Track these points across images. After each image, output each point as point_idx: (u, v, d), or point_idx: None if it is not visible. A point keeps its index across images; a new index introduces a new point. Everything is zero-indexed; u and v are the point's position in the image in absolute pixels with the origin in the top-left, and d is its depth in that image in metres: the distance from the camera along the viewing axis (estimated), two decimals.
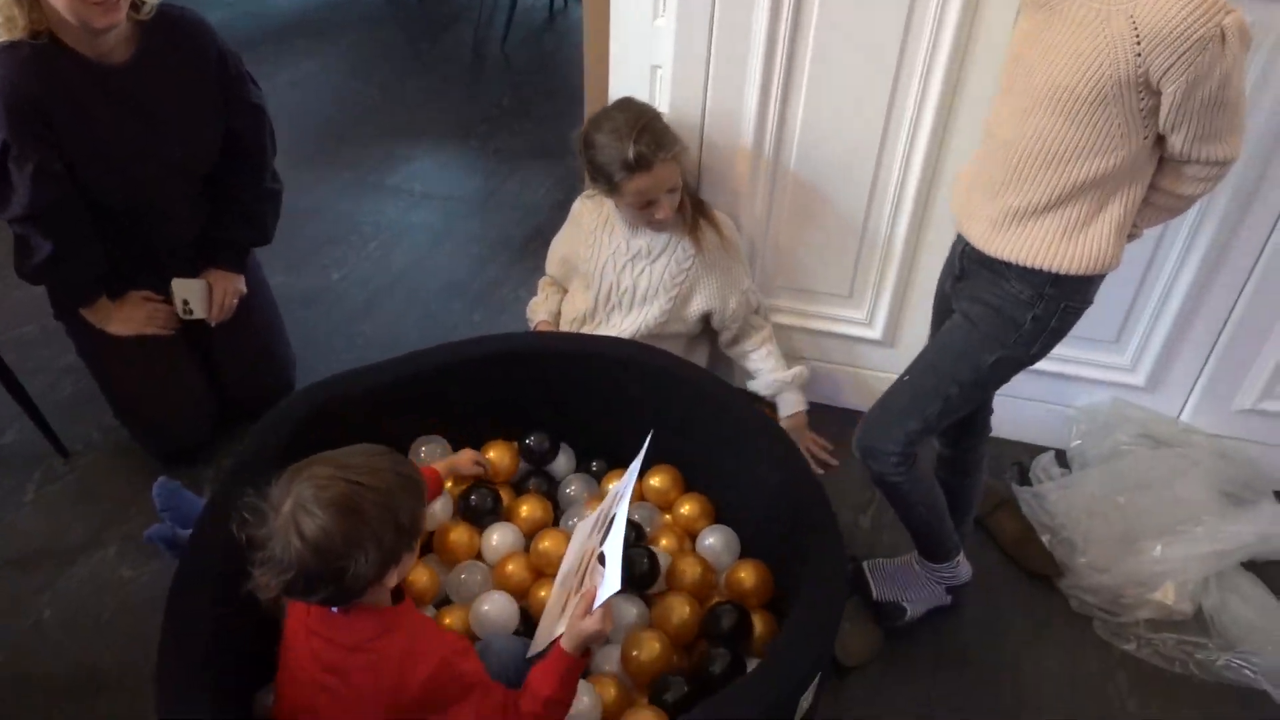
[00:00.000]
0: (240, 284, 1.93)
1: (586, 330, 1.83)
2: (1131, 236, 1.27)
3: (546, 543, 1.47)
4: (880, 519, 1.82)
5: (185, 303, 1.85)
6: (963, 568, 1.59)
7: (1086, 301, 1.29)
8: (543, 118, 3.33)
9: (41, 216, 1.61)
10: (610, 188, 1.68)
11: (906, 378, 1.39)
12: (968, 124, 1.64)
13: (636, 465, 1.26)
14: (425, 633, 1.11)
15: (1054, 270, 1.23)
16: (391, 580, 1.05)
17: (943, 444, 1.56)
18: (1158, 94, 1.10)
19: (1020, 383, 1.42)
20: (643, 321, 1.79)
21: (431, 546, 1.52)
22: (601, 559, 1.19)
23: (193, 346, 1.89)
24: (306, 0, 4.29)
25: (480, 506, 1.53)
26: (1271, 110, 1.52)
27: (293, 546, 0.97)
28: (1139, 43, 1.06)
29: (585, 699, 1.24)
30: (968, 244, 1.33)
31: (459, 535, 1.51)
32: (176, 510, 1.58)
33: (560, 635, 1.17)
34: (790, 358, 1.95)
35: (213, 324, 1.88)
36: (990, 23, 1.53)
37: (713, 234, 1.76)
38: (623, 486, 1.25)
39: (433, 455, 1.58)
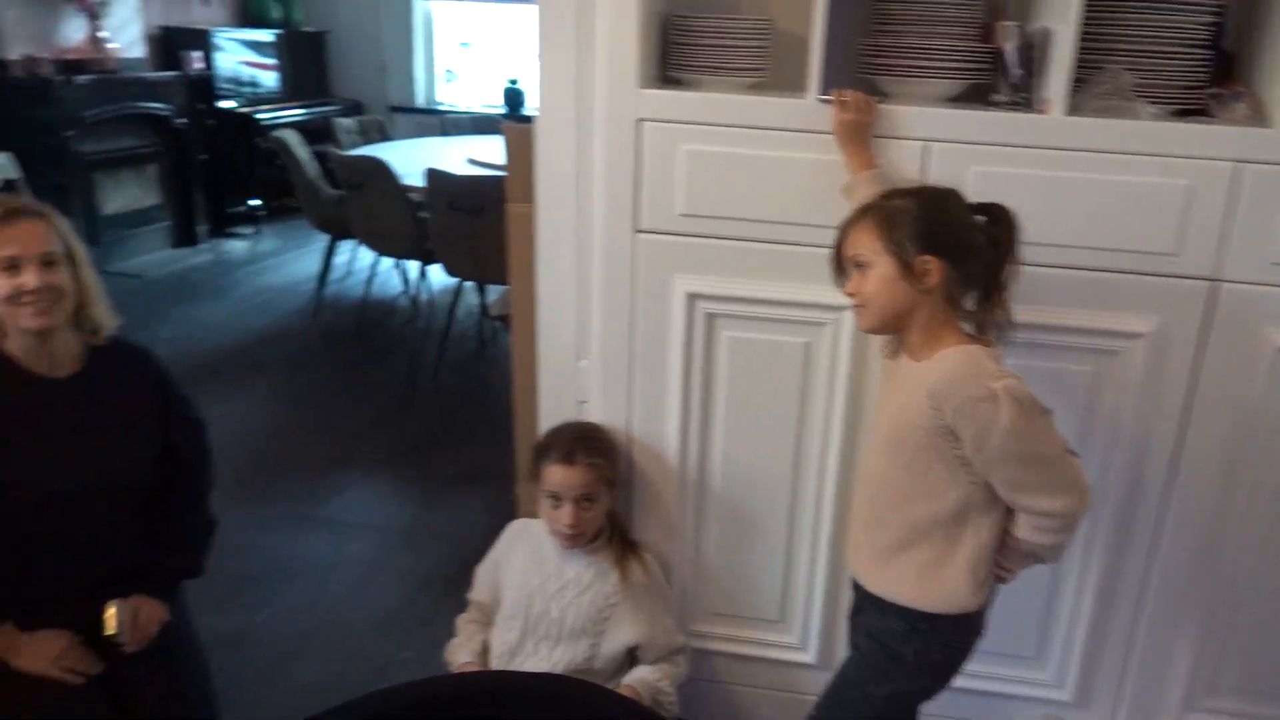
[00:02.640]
0: (164, 612, 1.86)
1: (516, 663, 1.82)
2: (1000, 579, 1.39)
3: None
4: None
5: (115, 628, 1.77)
6: None
7: (971, 635, 1.39)
8: (474, 444, 3.46)
9: None
10: (532, 474, 1.80)
11: (814, 714, 1.43)
12: None
13: None
14: None
15: (917, 609, 1.34)
16: None
17: None
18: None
19: (948, 702, 1.46)
20: (572, 657, 1.80)
21: None
22: None
23: (103, 689, 1.79)
24: (241, 335, 4.51)
25: None
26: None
27: None
28: (931, 398, 1.29)
29: None
30: (859, 585, 1.45)
31: None
32: None
33: None
34: (722, 684, 1.96)
35: (128, 649, 1.79)
36: (876, 366, 1.74)
37: (639, 570, 1.83)
38: None
39: None
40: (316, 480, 3.13)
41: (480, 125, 6.08)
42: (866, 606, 1.43)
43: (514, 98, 6.76)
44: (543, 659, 1.80)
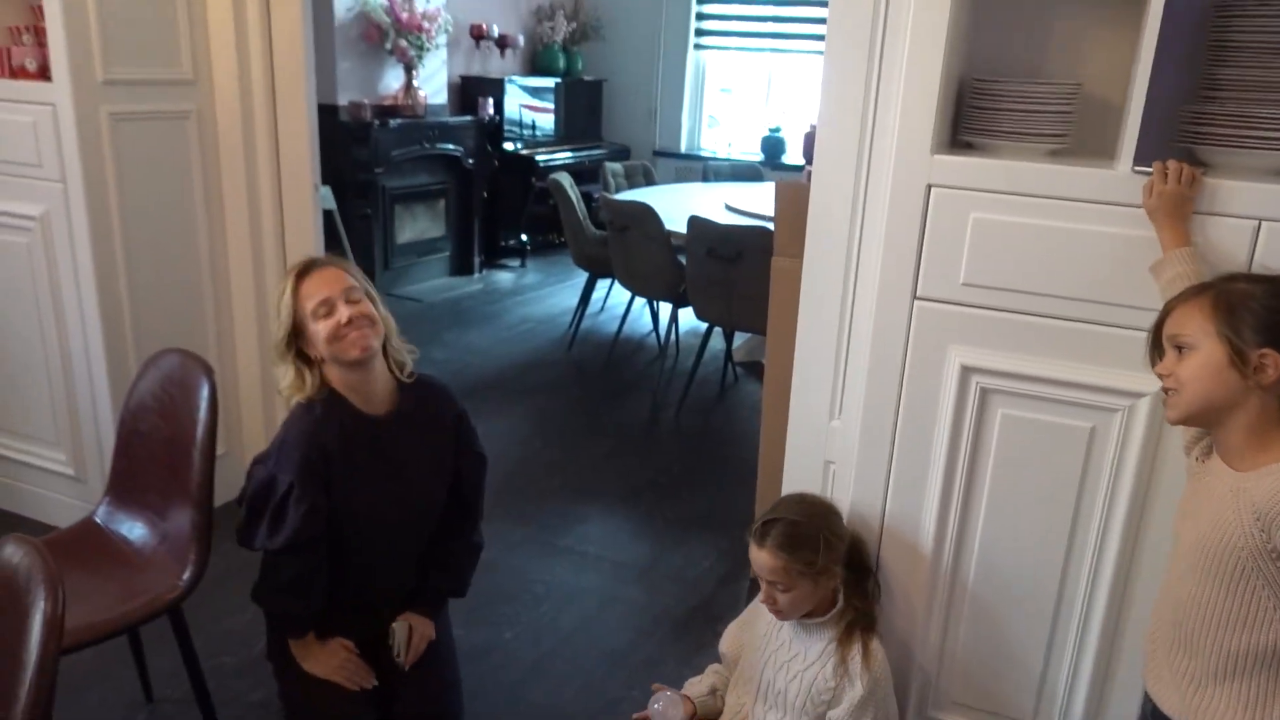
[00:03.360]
0: (431, 630, 2.03)
1: None
2: None
3: None
4: None
5: (395, 643, 1.96)
6: None
7: None
8: (711, 488, 3.48)
9: (297, 547, 1.78)
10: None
11: None
12: (1153, 559, 1.63)
13: None
14: None
15: None
16: None
17: None
18: None
19: None
20: None
21: None
22: None
23: (378, 697, 1.96)
24: (503, 361, 4.83)
25: None
26: None
27: None
28: (1259, 518, 1.13)
29: None
30: (1153, 703, 1.29)
31: None
32: None
33: None
34: None
35: (406, 667, 1.96)
36: (1171, 461, 1.58)
37: (859, 660, 1.71)
38: None
39: None
40: (559, 508, 3.27)
41: (739, 172, 6.19)
42: None
43: (774, 146, 6.84)
44: None
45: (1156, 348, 1.29)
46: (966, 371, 1.69)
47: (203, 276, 2.77)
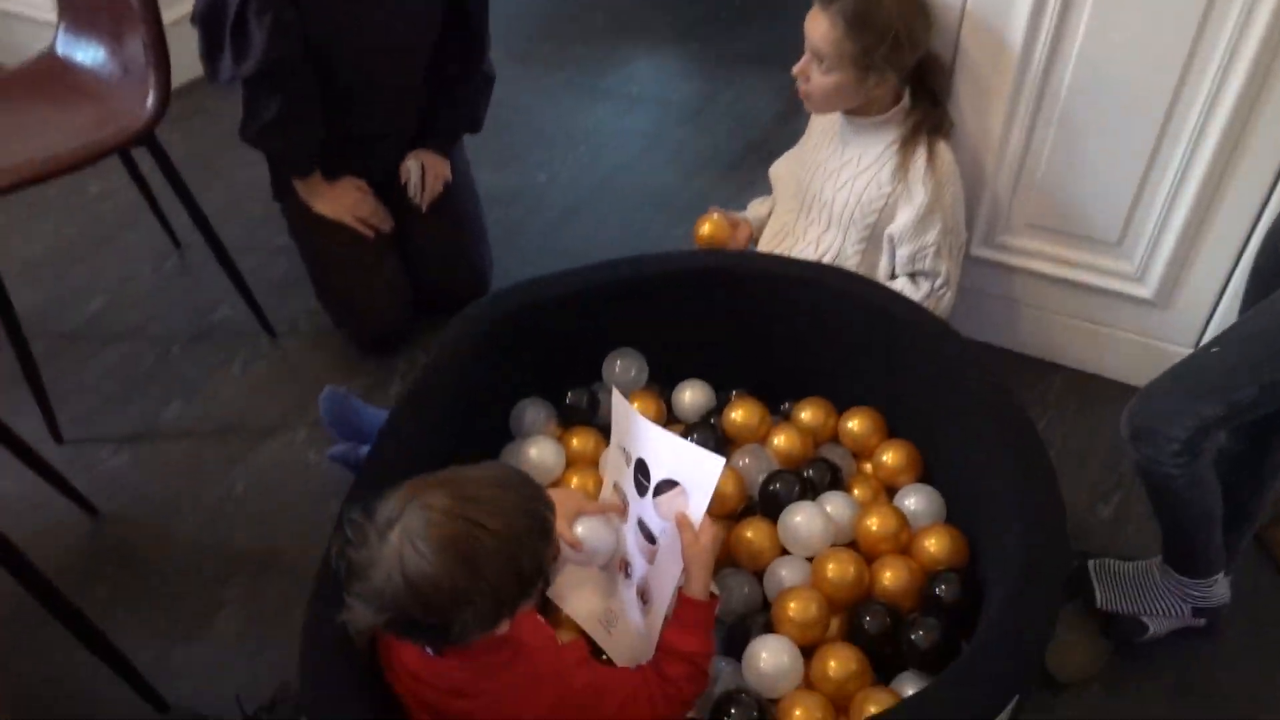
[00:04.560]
0: (446, 169, 1.90)
1: (784, 247, 1.63)
2: None
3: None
4: (1127, 510, 1.55)
5: (408, 181, 1.85)
6: (1219, 588, 1.31)
7: None
8: (768, 21, 3.06)
9: (274, 73, 1.59)
10: None
11: (1215, 349, 1.10)
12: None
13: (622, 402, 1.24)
14: (533, 663, 0.97)
15: None
16: (503, 628, 0.92)
17: (1235, 438, 1.26)
18: None
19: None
20: (839, 247, 1.57)
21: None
22: (660, 489, 1.12)
23: (393, 237, 1.87)
24: None
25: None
26: None
27: (393, 584, 0.83)
28: None
29: (785, 658, 1.11)
30: None
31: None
32: (344, 424, 1.56)
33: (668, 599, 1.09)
34: (1029, 306, 1.72)
35: (424, 208, 1.86)
36: None
37: (925, 162, 1.48)
38: (625, 430, 1.22)
39: (626, 376, 1.47)
40: (600, 52, 2.93)
41: None
42: None
43: None
44: (810, 242, 1.59)
45: None
46: None
47: None
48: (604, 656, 1.16)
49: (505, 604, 0.88)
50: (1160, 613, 1.32)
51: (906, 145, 1.49)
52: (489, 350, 1.35)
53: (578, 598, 1.21)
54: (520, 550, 0.87)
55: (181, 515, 1.60)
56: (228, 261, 1.84)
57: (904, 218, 1.49)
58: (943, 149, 1.51)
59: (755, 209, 1.75)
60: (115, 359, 1.88)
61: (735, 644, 1.18)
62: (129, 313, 1.99)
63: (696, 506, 1.08)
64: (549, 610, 1.21)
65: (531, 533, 0.89)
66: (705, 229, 1.66)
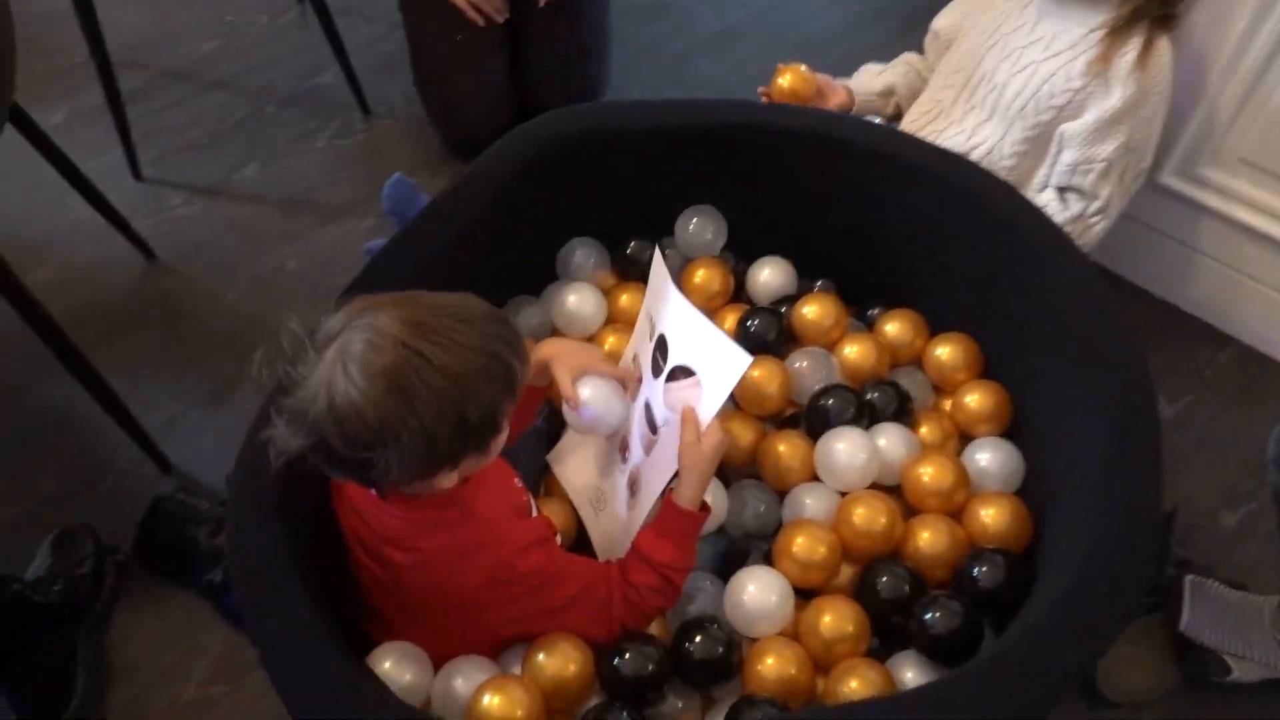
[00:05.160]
0: None
1: (932, 130, 1.36)
2: None
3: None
4: (1254, 525, 1.29)
5: None
6: None
7: None
8: None
9: None
10: None
11: None
12: None
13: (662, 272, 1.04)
14: (479, 531, 0.86)
15: None
16: (447, 481, 0.80)
17: None
18: None
19: None
20: (993, 144, 1.29)
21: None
22: (674, 375, 0.97)
23: (504, 38, 1.69)
24: None
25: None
26: None
27: (317, 407, 0.73)
28: None
29: (774, 597, 0.96)
30: None
31: None
32: (403, 217, 1.44)
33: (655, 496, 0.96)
34: (1212, 260, 1.43)
35: (542, 2, 1.65)
36: None
37: (1136, 56, 1.18)
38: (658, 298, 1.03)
39: (702, 237, 1.28)
40: None
41: None
42: None
43: None
44: (963, 132, 1.32)
45: None
46: None
47: None
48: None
49: (441, 453, 0.76)
50: (1257, 659, 1.10)
51: (1119, 32, 1.19)
52: (541, 176, 1.17)
53: (574, 466, 1.09)
54: (467, 395, 0.75)
55: (231, 279, 1.56)
56: (330, 25, 1.71)
57: (1087, 117, 1.20)
58: (1163, 46, 1.20)
59: (865, 79, 1.47)
60: (209, 105, 1.83)
61: (730, 564, 1.05)
62: (232, 61, 1.92)
63: (709, 404, 0.92)
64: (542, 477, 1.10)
65: (486, 378, 0.76)
66: (786, 80, 1.39)
